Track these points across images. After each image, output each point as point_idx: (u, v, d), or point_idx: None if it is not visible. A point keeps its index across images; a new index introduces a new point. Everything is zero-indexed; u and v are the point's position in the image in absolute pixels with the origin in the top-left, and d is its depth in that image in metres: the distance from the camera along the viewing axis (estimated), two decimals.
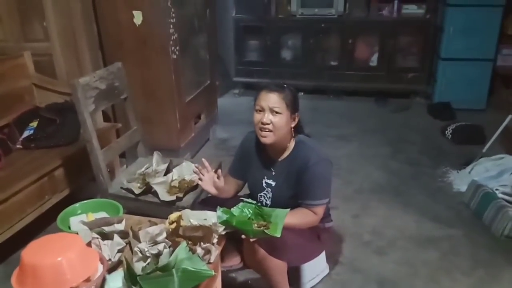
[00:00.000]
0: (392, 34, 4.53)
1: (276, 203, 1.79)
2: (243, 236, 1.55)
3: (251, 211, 1.59)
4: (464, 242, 2.38)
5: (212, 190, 1.78)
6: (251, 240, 1.54)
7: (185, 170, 2.14)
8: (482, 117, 3.98)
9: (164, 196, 1.97)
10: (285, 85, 1.74)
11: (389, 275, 2.14)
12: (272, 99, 1.68)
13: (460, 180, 2.95)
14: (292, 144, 1.80)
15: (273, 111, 1.68)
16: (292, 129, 1.78)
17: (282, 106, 1.68)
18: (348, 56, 4.68)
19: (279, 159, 1.82)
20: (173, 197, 1.95)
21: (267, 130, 1.70)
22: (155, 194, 1.97)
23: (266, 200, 1.87)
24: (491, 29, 4.07)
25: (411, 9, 4.45)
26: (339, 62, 4.74)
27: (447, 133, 3.72)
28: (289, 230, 1.67)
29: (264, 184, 1.86)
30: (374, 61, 4.67)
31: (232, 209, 1.58)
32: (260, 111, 1.71)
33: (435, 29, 4.39)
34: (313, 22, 4.58)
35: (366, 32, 4.64)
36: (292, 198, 1.78)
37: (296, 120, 1.77)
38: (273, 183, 1.84)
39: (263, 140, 1.73)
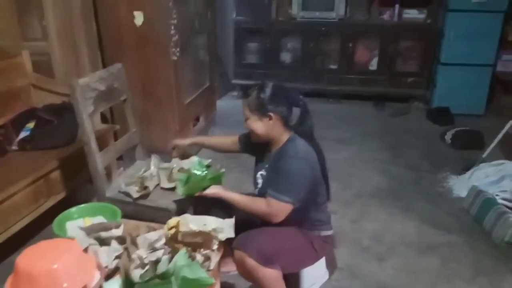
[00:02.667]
0: (392, 38, 4.52)
1: (261, 195, 1.78)
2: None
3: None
4: (465, 249, 2.36)
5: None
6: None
7: (185, 160, 2.13)
8: (481, 123, 3.98)
9: (165, 183, 2.05)
10: (256, 88, 1.77)
11: (389, 281, 2.12)
12: (243, 107, 1.79)
13: (460, 186, 2.94)
14: (284, 138, 1.78)
15: (245, 118, 1.79)
16: (284, 127, 1.76)
17: (247, 112, 1.77)
18: (348, 60, 4.67)
19: (271, 152, 1.84)
20: (172, 185, 2.01)
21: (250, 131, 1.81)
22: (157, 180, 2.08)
23: (256, 187, 1.89)
24: (491, 35, 4.06)
25: (412, 14, 4.45)
26: (338, 65, 4.72)
27: (447, 138, 3.71)
28: (277, 237, 1.68)
29: (258, 175, 1.89)
30: (374, 65, 4.65)
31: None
32: None
33: (435, 34, 4.38)
34: (313, 25, 4.57)
35: (366, 35, 4.63)
36: None
37: (274, 117, 1.73)
38: (264, 173, 1.85)
39: (252, 139, 1.85)
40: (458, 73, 4.23)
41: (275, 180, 1.70)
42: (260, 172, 1.88)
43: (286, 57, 4.87)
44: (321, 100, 4.79)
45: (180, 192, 1.82)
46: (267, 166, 1.85)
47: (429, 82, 4.58)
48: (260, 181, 1.87)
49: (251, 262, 1.61)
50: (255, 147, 1.94)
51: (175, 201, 1.95)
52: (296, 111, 1.80)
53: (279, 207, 1.66)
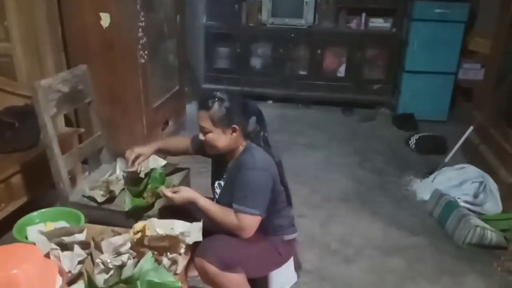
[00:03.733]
0: (359, 46, 4.63)
1: (220, 203, 1.73)
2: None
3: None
4: (429, 250, 2.43)
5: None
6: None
7: (151, 163, 2.09)
8: (444, 128, 4.12)
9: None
10: (216, 99, 1.63)
11: (356, 283, 2.16)
12: (200, 118, 1.66)
13: (424, 189, 3.03)
14: (241, 149, 1.74)
15: (203, 130, 1.67)
16: (242, 136, 1.72)
17: (209, 124, 1.64)
18: (317, 66, 4.74)
19: (229, 163, 1.78)
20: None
21: (208, 144, 1.69)
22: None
23: (214, 198, 1.85)
24: (453, 44, 4.22)
25: (377, 23, 4.57)
26: (308, 71, 4.79)
27: (411, 143, 3.82)
28: (238, 243, 1.63)
29: (216, 184, 1.86)
30: (341, 71, 4.75)
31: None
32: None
33: (400, 42, 4.52)
34: (283, 32, 4.62)
35: (334, 43, 4.72)
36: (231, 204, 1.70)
37: (237, 130, 1.68)
38: (222, 183, 1.82)
39: (208, 152, 1.76)
40: (421, 81, 4.37)
41: (238, 194, 1.63)
42: (218, 182, 1.84)
43: (256, 62, 4.90)
44: (291, 105, 4.84)
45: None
46: (224, 176, 1.80)
47: (395, 89, 4.71)
48: (218, 190, 1.83)
49: (211, 268, 1.59)
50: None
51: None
52: (252, 120, 1.76)
53: (249, 221, 1.61)
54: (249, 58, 4.86)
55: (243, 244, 1.64)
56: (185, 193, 1.68)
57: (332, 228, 2.61)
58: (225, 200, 1.72)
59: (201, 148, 1.86)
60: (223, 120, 1.64)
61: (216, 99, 1.64)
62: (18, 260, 1.13)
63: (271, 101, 4.88)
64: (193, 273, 2.00)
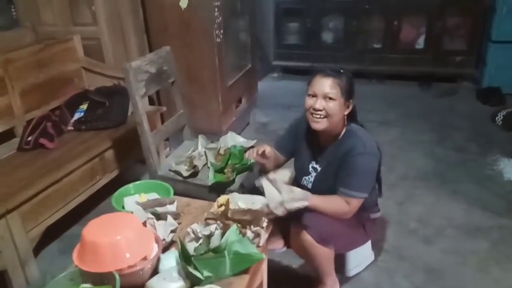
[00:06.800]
0: (440, 15, 4.33)
1: (317, 189, 1.75)
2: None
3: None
4: None
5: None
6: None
7: (229, 140, 2.24)
8: None
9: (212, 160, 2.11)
10: (341, 70, 1.67)
11: (437, 264, 2.10)
12: (326, 84, 1.63)
13: None
14: (343, 132, 1.73)
15: (326, 97, 1.63)
16: (345, 117, 1.71)
17: (337, 92, 1.62)
18: (392, 38, 4.53)
19: (327, 146, 1.77)
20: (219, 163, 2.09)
21: (318, 116, 1.65)
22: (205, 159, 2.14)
23: (307, 184, 1.84)
24: None
25: None
26: (382, 44, 4.59)
27: (498, 119, 3.56)
28: (335, 219, 1.65)
29: (310, 168, 1.84)
30: (420, 43, 4.49)
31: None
32: (313, 96, 1.66)
33: (486, 9, 4.16)
34: (356, 3, 4.46)
35: (412, 13, 4.45)
36: (332, 187, 1.70)
37: (350, 107, 1.70)
38: (319, 168, 1.81)
39: (314, 126, 1.68)
40: (510, 51, 4.01)
41: (348, 179, 1.64)
42: (312, 165, 1.83)
43: (327, 37, 4.79)
44: (363, 81, 4.67)
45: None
46: (320, 159, 1.79)
47: (479, 60, 4.37)
48: (313, 174, 1.82)
49: (308, 238, 1.64)
50: (295, 140, 1.89)
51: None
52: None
53: (357, 204, 1.66)
54: (320, 33, 4.75)
55: (337, 221, 1.67)
56: (299, 203, 1.56)
57: (410, 208, 2.54)
58: (325, 184, 1.75)
59: (287, 148, 1.91)
60: (348, 92, 1.66)
61: (342, 71, 1.66)
62: (121, 227, 1.24)
63: None
64: (272, 246, 2.08)
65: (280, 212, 1.51)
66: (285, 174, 1.62)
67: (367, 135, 1.72)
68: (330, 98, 1.63)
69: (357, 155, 1.64)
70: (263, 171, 1.87)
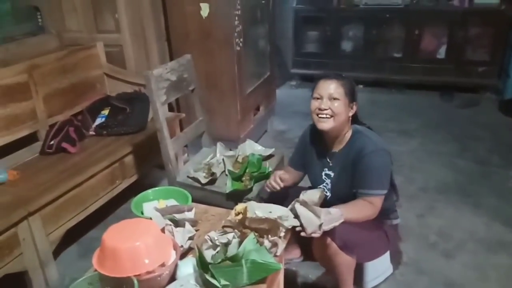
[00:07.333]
0: (462, 25, 4.27)
1: (336, 195, 1.79)
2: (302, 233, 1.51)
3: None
4: None
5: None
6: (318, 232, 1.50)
7: (248, 148, 2.26)
8: None
9: (230, 168, 2.12)
10: (343, 75, 1.75)
11: (457, 278, 2.05)
12: (330, 86, 1.69)
13: None
14: (349, 134, 1.78)
15: (331, 98, 1.68)
16: (350, 119, 1.76)
17: (341, 92, 1.69)
18: (413, 48, 4.47)
19: (336, 150, 1.80)
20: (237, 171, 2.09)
21: (325, 116, 1.69)
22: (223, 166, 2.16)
23: (326, 192, 1.84)
24: None
25: None
26: (403, 53, 4.54)
27: None
28: (359, 226, 1.65)
29: (323, 176, 1.86)
30: (441, 53, 4.43)
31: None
32: (318, 98, 1.72)
33: (509, 20, 4.08)
34: (377, 12, 4.43)
35: (433, 22, 4.41)
36: (350, 190, 1.74)
37: (354, 109, 1.76)
38: (332, 174, 1.83)
39: (321, 126, 1.72)
40: None
41: (367, 179, 1.68)
42: (324, 172, 1.85)
43: (347, 45, 4.77)
44: (383, 90, 4.65)
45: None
46: (331, 164, 1.82)
47: (502, 71, 4.28)
48: (328, 181, 1.84)
49: (332, 245, 1.64)
50: (304, 152, 1.93)
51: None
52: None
53: (380, 202, 1.69)
54: (339, 41, 4.74)
55: (360, 229, 1.67)
56: (331, 224, 1.51)
57: (430, 220, 2.49)
58: (342, 188, 1.77)
59: (300, 163, 1.96)
60: (351, 94, 1.72)
61: (342, 75, 1.75)
62: (140, 233, 1.25)
63: (361, 86, 4.73)
64: (288, 256, 2.07)
65: (318, 234, 1.50)
66: (314, 194, 1.65)
67: (373, 133, 1.78)
68: (335, 98, 1.68)
69: (369, 154, 1.68)
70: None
